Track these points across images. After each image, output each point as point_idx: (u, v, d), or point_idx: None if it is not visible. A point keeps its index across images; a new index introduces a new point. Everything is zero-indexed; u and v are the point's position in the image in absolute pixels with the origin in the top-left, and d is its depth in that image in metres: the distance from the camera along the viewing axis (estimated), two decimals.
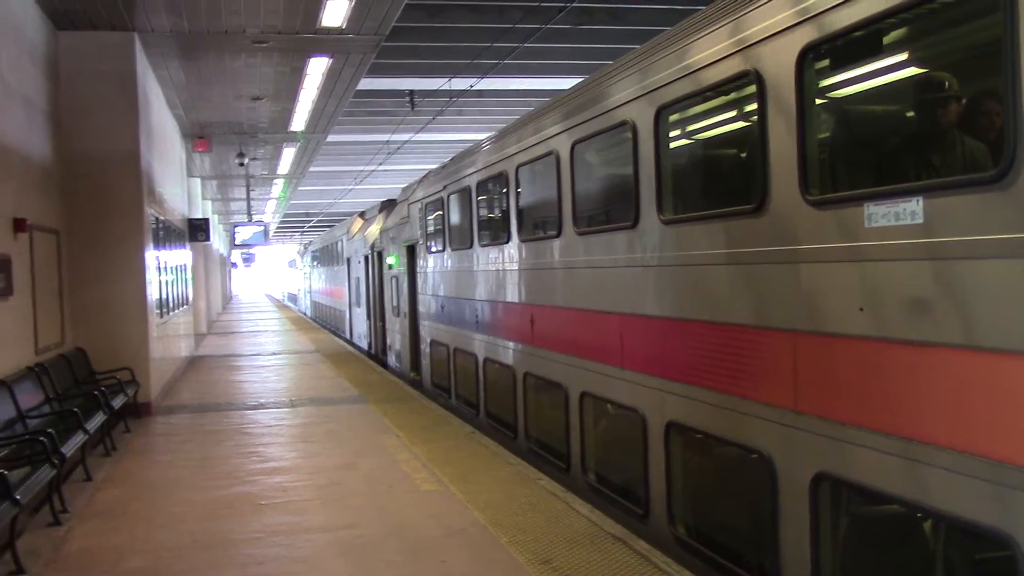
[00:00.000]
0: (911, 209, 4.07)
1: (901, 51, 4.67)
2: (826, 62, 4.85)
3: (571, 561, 5.91)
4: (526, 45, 16.11)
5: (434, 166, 16.37)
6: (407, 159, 30.75)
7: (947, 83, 4.32)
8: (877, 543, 4.85)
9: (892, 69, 4.70)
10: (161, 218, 14.77)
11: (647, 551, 6.05)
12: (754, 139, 5.35)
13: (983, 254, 3.75)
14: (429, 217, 14.39)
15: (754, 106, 5.30)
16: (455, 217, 12.75)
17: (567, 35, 16.89)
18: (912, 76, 4.64)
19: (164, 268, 15.10)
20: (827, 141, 4.99)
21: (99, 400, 9.66)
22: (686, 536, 6.38)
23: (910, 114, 4.76)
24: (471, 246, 11.70)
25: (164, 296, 14.96)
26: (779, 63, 5.00)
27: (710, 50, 5.78)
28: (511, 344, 10.33)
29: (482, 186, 11.29)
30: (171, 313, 16.06)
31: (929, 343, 4.04)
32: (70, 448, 7.75)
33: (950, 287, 3.95)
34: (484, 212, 11.45)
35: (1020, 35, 3.52)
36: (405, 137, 25.64)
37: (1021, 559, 3.58)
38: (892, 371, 4.27)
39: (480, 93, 20.51)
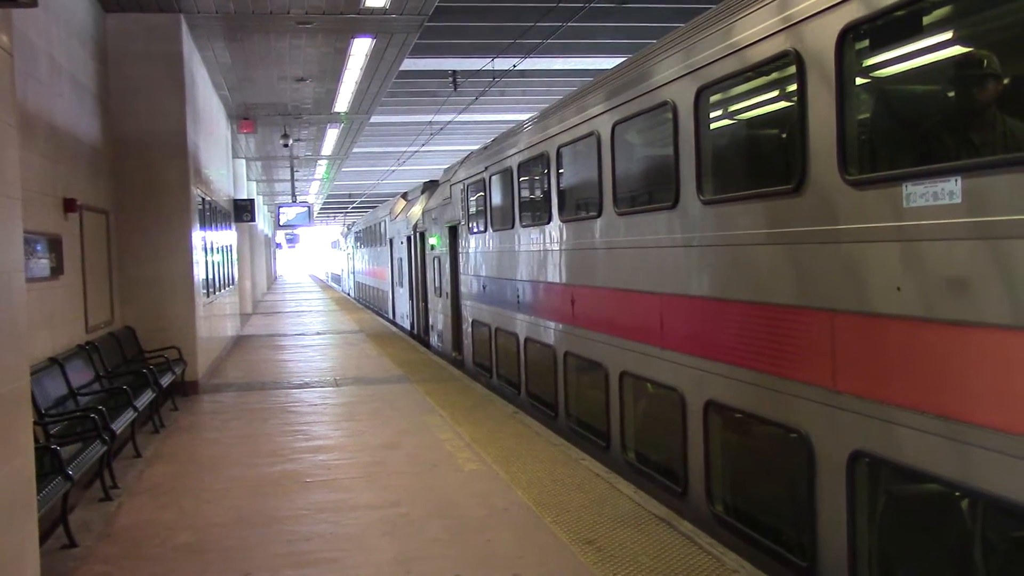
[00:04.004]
0: (949, 189, 4.06)
1: (940, 31, 4.63)
2: (866, 42, 4.84)
3: (615, 541, 5.91)
4: (570, 24, 16.00)
5: (476, 147, 16.35)
6: (450, 140, 30.78)
7: (985, 62, 4.28)
8: (912, 519, 4.86)
9: (930, 49, 4.66)
10: (207, 198, 14.93)
11: (692, 532, 6.03)
12: (793, 119, 5.33)
13: (1021, 234, 3.75)
14: (471, 198, 14.39)
15: (794, 86, 5.29)
16: (497, 198, 12.73)
17: (611, 14, 16.75)
18: (950, 56, 4.59)
19: (210, 248, 15.26)
20: (866, 121, 4.97)
21: (148, 378, 9.82)
22: (724, 514, 6.41)
23: (948, 94, 4.71)
24: (513, 227, 11.70)
25: (210, 276, 15.12)
26: (819, 43, 4.99)
27: (750, 31, 5.76)
28: (552, 324, 10.34)
29: (524, 167, 11.27)
30: (217, 293, 16.25)
31: (966, 322, 4.05)
32: (120, 425, 7.88)
33: (988, 267, 3.94)
34: (526, 193, 11.42)
35: None
36: (448, 118, 25.64)
37: None
38: (928, 350, 4.27)
39: (523, 73, 20.41)
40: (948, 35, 4.61)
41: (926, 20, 4.55)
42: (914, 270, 4.36)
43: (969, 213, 3.98)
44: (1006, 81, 4.26)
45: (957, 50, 4.57)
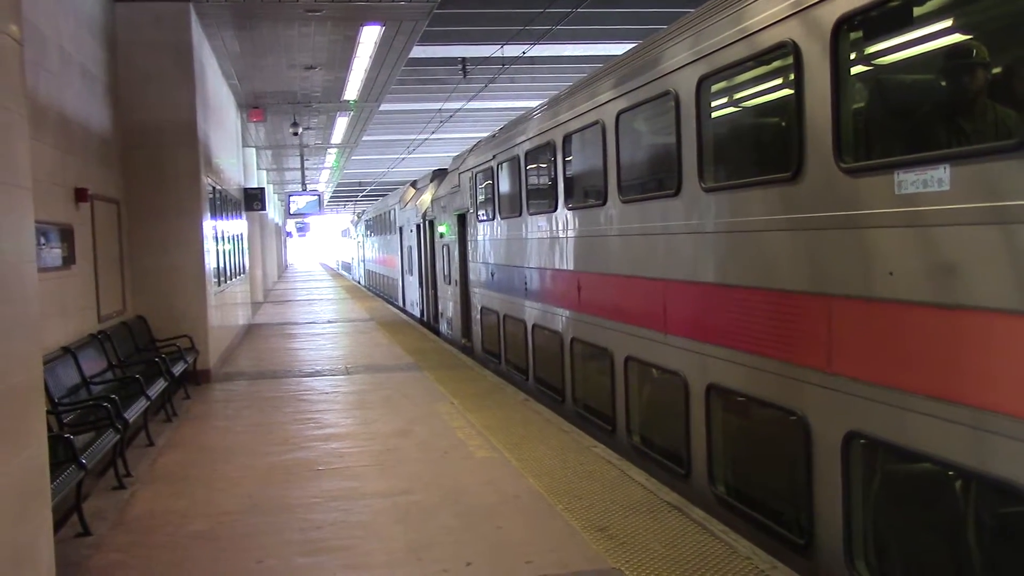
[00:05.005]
0: (938, 176, 4.18)
1: (930, 22, 4.71)
2: (860, 33, 4.94)
3: (627, 528, 5.92)
4: (580, 10, 15.92)
5: (486, 134, 16.31)
6: (459, 127, 30.73)
7: (975, 52, 4.36)
8: (905, 498, 5.00)
9: (921, 40, 4.73)
10: (218, 187, 14.94)
11: (704, 519, 6.04)
12: (791, 109, 5.43)
13: (1005, 219, 3.86)
14: (479, 186, 14.42)
15: (791, 76, 5.38)
16: (504, 186, 12.78)
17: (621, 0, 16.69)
18: (941, 47, 4.66)
19: (221, 237, 15.27)
20: (860, 111, 5.08)
21: (160, 367, 9.86)
22: (725, 494, 6.54)
23: (939, 83, 4.78)
24: (520, 214, 11.75)
25: (221, 265, 15.15)
26: (815, 34, 5.09)
27: (748, 22, 5.87)
28: (559, 311, 10.42)
29: (531, 155, 11.32)
30: (228, 282, 16.27)
31: (955, 306, 4.16)
32: (133, 414, 7.92)
33: (975, 252, 4.05)
34: (533, 181, 11.49)
35: None
36: (457, 105, 25.58)
37: None
38: (918, 332, 4.40)
39: (532, 60, 20.36)
40: (937, 26, 4.70)
41: (917, 12, 4.68)
42: (905, 255, 4.49)
43: (957, 200, 4.09)
44: (995, 71, 4.34)
45: (946, 40, 4.65)
